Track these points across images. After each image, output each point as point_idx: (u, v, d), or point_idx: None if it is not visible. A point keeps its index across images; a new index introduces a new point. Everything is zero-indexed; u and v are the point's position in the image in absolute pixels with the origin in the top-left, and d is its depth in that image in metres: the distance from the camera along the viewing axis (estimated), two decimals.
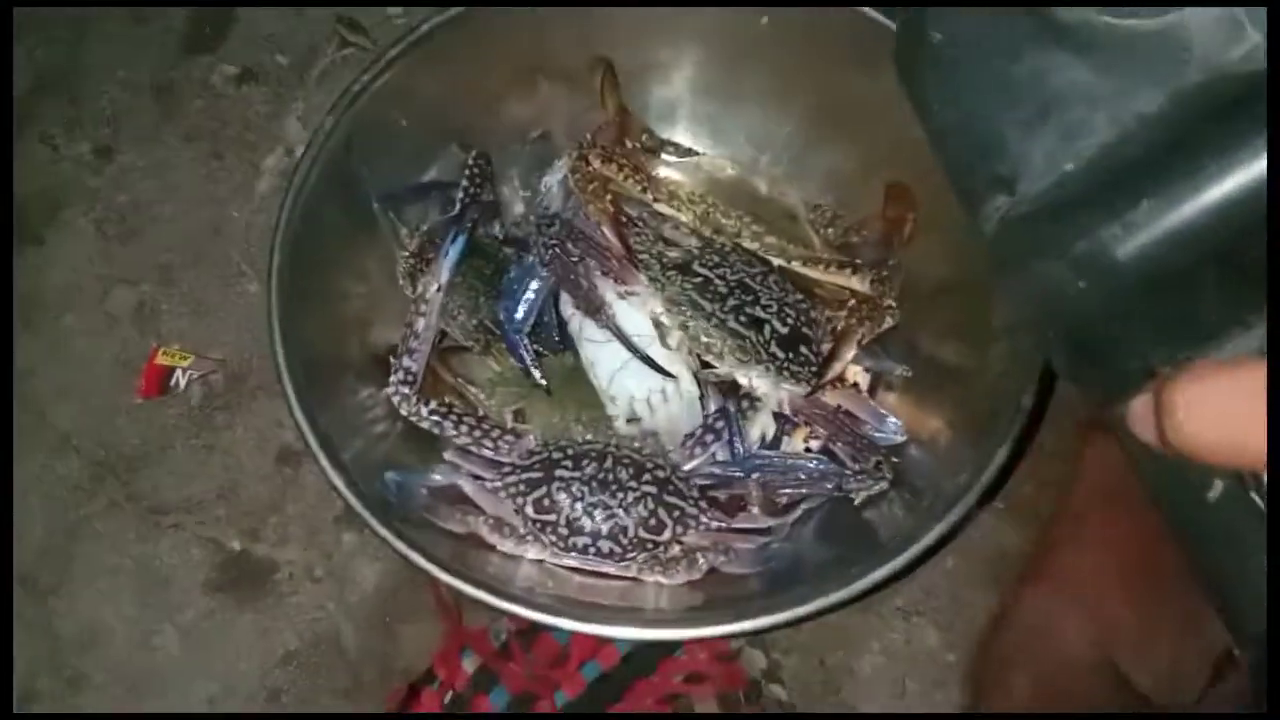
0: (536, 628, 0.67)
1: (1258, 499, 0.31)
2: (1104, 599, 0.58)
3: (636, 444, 0.63)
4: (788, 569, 0.60)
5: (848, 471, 0.62)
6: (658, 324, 0.64)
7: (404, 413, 0.61)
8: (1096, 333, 0.36)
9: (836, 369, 0.63)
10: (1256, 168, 0.32)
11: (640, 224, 0.67)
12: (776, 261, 0.66)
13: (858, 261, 0.65)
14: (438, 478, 0.61)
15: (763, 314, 0.63)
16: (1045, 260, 0.35)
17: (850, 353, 0.63)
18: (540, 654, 0.67)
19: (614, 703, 0.66)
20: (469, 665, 0.67)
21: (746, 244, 0.66)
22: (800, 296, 0.66)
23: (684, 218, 0.67)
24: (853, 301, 0.65)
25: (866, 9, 0.62)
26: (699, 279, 0.64)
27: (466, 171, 0.68)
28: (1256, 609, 0.36)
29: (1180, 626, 0.56)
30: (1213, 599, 0.40)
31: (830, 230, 0.69)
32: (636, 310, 0.64)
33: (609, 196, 0.64)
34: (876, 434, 0.63)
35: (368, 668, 0.68)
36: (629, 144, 0.68)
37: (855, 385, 0.65)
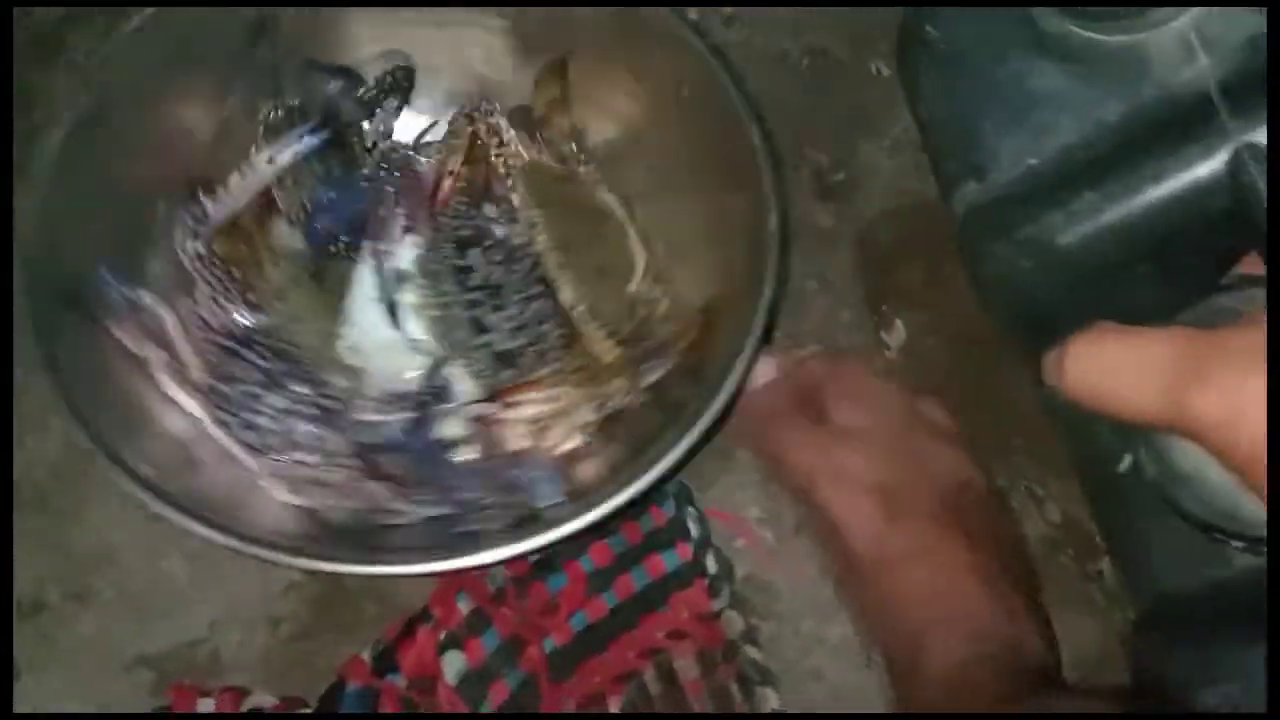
0: (530, 576, 0.71)
1: (1152, 469, 0.36)
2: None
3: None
4: None
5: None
6: (404, 277, 0.68)
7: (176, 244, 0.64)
8: (1044, 312, 0.40)
9: (516, 397, 0.64)
10: (1187, 178, 0.36)
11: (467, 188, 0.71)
12: (563, 298, 0.68)
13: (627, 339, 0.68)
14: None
15: (494, 323, 0.66)
16: (997, 242, 0.40)
17: (533, 393, 0.65)
18: (532, 601, 0.71)
19: (599, 652, 0.70)
20: (464, 606, 0.70)
21: (548, 264, 0.68)
22: (555, 341, 0.68)
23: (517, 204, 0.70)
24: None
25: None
26: (463, 262, 0.67)
27: (387, 76, 0.71)
28: (1148, 567, 0.42)
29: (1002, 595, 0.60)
30: (1115, 557, 0.46)
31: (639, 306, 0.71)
32: (405, 257, 0.68)
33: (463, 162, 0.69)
34: (532, 489, 0.65)
35: (368, 603, 0.72)
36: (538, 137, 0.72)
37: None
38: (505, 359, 0.66)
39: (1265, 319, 0.27)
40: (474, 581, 0.71)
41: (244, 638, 0.70)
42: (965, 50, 0.41)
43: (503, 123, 0.71)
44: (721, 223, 0.68)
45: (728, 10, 0.89)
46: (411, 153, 0.72)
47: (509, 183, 0.71)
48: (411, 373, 0.68)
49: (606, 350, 0.67)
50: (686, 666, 0.71)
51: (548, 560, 0.71)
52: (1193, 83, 0.37)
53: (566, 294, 0.68)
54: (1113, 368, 0.30)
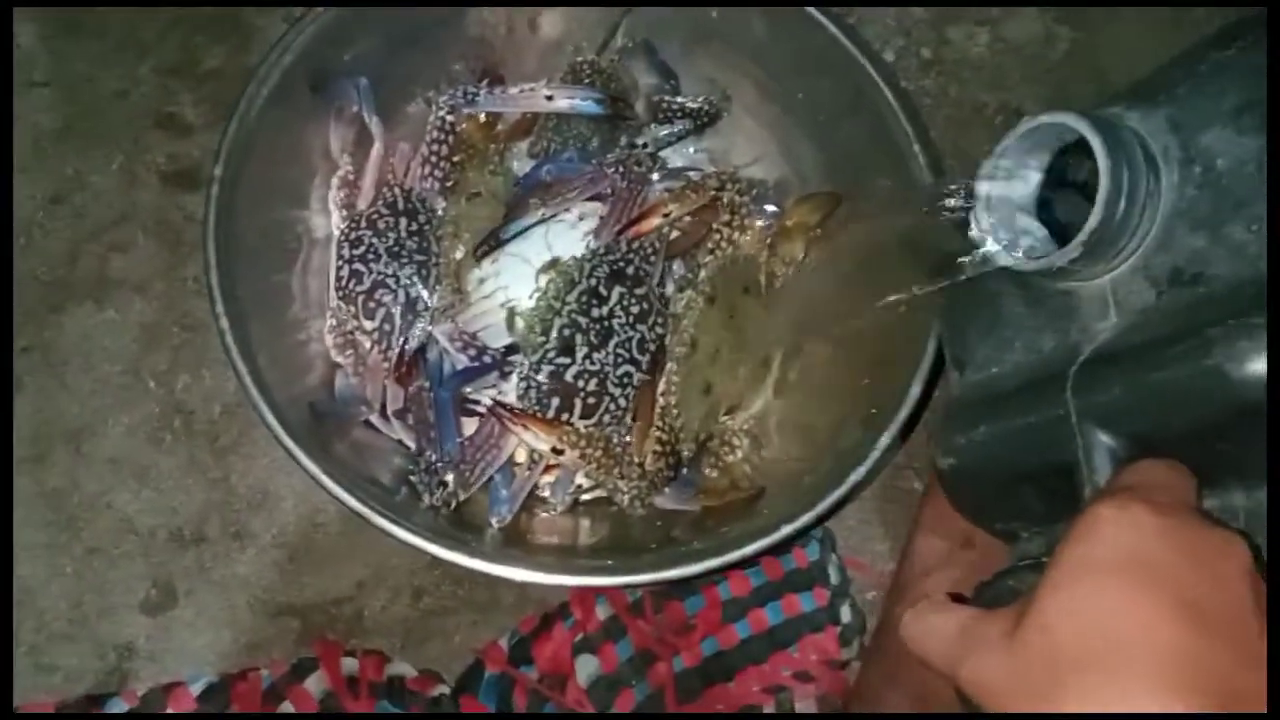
0: (668, 594, 0.72)
1: None
2: None
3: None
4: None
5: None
6: (552, 261, 0.69)
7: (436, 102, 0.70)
8: (975, 504, 0.51)
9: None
10: (1039, 420, 0.43)
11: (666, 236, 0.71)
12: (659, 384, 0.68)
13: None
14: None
15: (579, 356, 0.65)
16: (941, 438, 0.50)
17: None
18: (669, 618, 0.72)
19: (725, 680, 0.71)
20: (602, 613, 0.72)
21: (672, 345, 0.68)
22: (615, 412, 0.67)
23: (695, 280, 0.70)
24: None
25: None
26: (601, 290, 0.67)
27: (700, 103, 0.73)
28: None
29: None
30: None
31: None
32: (568, 245, 0.69)
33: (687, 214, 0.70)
34: (492, 497, 0.66)
35: (507, 590, 0.73)
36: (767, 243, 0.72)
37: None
38: (562, 393, 0.65)
39: (1023, 606, 0.34)
40: (614, 590, 0.72)
41: (387, 603, 0.73)
42: (980, 279, 0.47)
43: (752, 209, 0.71)
44: (830, 436, 0.67)
45: (926, 54, 0.88)
46: (656, 173, 0.72)
47: (705, 259, 0.71)
48: (499, 341, 0.69)
49: (651, 457, 0.66)
50: (807, 708, 0.72)
51: (688, 580, 0.72)
52: (1106, 332, 0.43)
53: (666, 380, 0.67)
54: (924, 634, 0.38)
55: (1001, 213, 0.45)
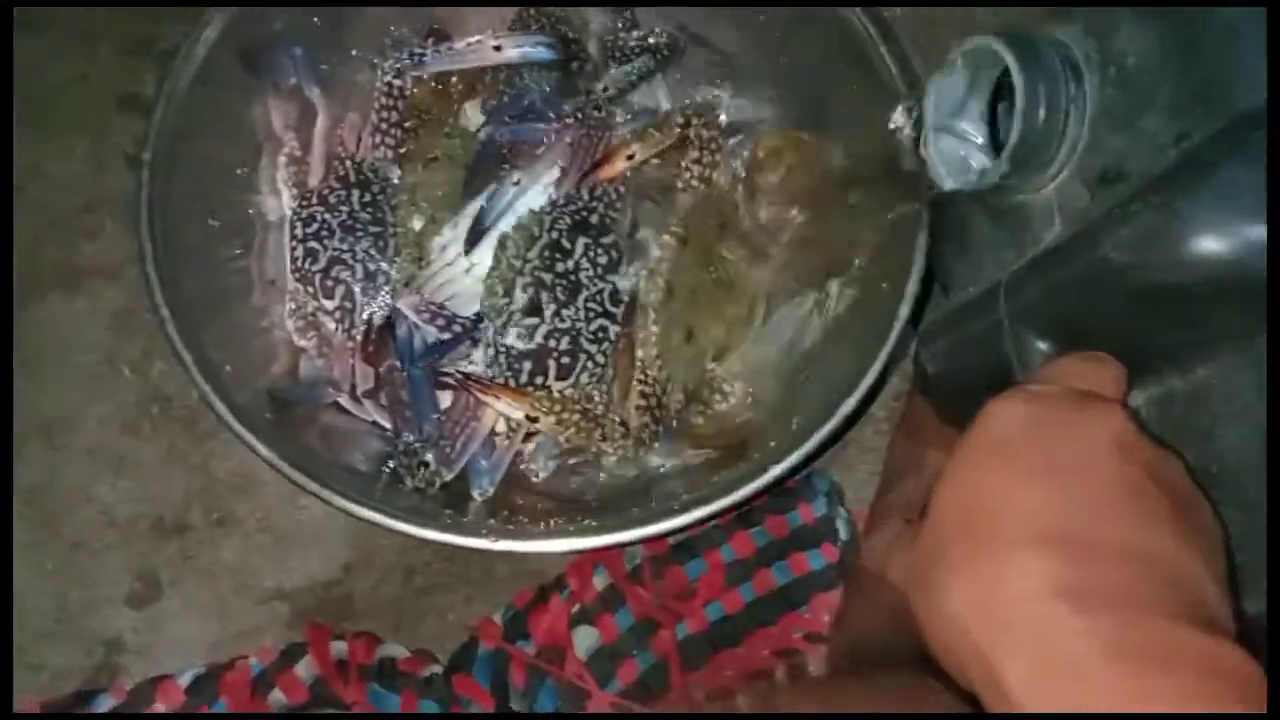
0: (668, 558, 0.69)
1: None
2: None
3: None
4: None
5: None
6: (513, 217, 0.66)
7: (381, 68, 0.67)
8: (947, 411, 0.54)
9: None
10: (982, 327, 0.46)
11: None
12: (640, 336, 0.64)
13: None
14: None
15: (547, 315, 0.62)
16: (919, 348, 0.53)
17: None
18: (669, 584, 0.69)
19: (732, 645, 0.68)
20: (599, 582, 0.69)
21: (647, 293, 0.64)
22: (593, 370, 0.63)
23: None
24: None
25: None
26: (565, 243, 0.63)
27: (658, 37, 0.69)
28: None
29: None
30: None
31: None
32: (531, 202, 0.66)
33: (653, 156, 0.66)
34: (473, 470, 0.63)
35: (502, 563, 0.71)
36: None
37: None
38: (534, 355, 0.62)
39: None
40: (611, 557, 0.69)
41: (378, 584, 0.70)
42: (955, 204, 0.51)
43: (722, 142, 0.67)
44: (820, 368, 0.64)
45: None
46: (616, 113, 0.68)
47: (675, 196, 0.67)
48: (468, 309, 0.66)
49: (635, 413, 0.62)
50: (820, 670, 0.68)
51: (688, 544, 0.69)
52: (1051, 241, 0.44)
53: (645, 330, 0.63)
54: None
55: (949, 136, 0.47)
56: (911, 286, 0.58)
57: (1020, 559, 0.32)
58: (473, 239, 0.66)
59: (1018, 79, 0.41)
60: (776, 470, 0.57)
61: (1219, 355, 0.39)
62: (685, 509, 0.58)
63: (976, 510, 0.35)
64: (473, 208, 0.67)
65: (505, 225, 0.66)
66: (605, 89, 0.68)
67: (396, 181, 0.68)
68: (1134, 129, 0.40)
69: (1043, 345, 0.44)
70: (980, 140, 0.46)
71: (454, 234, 0.67)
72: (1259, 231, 0.34)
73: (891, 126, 0.48)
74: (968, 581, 0.33)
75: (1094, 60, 0.42)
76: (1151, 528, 0.33)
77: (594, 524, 0.59)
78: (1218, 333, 0.39)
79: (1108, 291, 0.39)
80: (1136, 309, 0.38)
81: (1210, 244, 0.34)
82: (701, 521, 0.59)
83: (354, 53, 0.70)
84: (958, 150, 0.47)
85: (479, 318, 0.65)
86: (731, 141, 0.68)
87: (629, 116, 0.68)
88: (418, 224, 0.68)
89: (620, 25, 0.70)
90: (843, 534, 0.69)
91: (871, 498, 0.71)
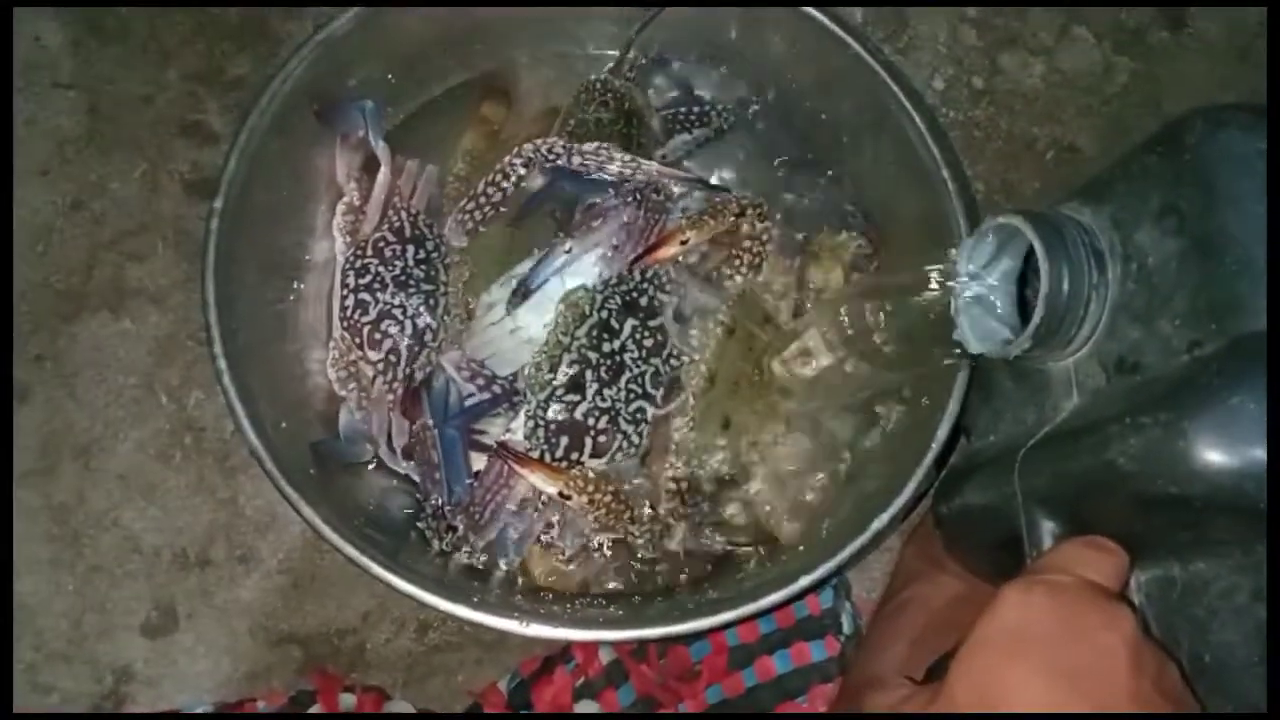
0: (673, 638, 0.70)
1: None
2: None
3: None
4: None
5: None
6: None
7: None
8: (960, 555, 0.58)
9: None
10: (995, 498, 0.48)
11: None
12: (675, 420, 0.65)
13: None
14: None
15: (590, 393, 0.63)
16: (936, 493, 0.56)
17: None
18: (673, 663, 0.70)
19: None
20: (604, 656, 0.70)
21: (689, 379, 0.66)
22: (628, 450, 0.64)
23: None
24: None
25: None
26: (613, 323, 0.64)
27: (717, 108, 0.71)
28: None
29: None
30: None
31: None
32: (579, 273, 0.66)
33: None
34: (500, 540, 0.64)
35: None
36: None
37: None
38: (572, 431, 0.62)
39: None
40: None
41: (392, 636, 0.71)
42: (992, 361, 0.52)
43: (775, 233, 0.67)
44: (857, 475, 0.65)
45: (978, 83, 0.84)
46: (669, 196, 0.68)
47: (726, 284, 0.67)
48: (508, 369, 0.66)
49: (664, 496, 0.64)
50: None
51: None
52: (1064, 415, 0.47)
53: (685, 419, 0.64)
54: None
55: (978, 304, 0.49)
56: (953, 405, 0.58)
57: None
58: (518, 300, 0.67)
59: (1042, 263, 0.44)
60: (805, 581, 0.58)
61: (1219, 554, 0.41)
62: (715, 609, 0.58)
63: (994, 700, 0.37)
64: (522, 268, 0.68)
65: (552, 290, 0.67)
66: (664, 156, 0.69)
67: (455, 243, 0.69)
68: (1151, 327, 0.43)
69: (1050, 524, 0.46)
70: (1007, 305, 0.49)
71: (501, 293, 0.68)
72: (1259, 454, 0.36)
73: (929, 285, 0.50)
74: None
75: (1117, 251, 0.45)
76: None
77: (621, 614, 0.60)
78: (1218, 536, 0.41)
79: (1114, 491, 0.41)
80: (1141, 509, 0.41)
81: (1213, 463, 0.37)
82: (729, 624, 0.59)
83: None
84: (987, 319, 0.49)
85: (515, 379, 0.66)
86: (790, 237, 0.69)
87: (684, 192, 0.69)
88: (463, 279, 0.69)
89: (684, 100, 0.71)
90: (846, 627, 0.70)
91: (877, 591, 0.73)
